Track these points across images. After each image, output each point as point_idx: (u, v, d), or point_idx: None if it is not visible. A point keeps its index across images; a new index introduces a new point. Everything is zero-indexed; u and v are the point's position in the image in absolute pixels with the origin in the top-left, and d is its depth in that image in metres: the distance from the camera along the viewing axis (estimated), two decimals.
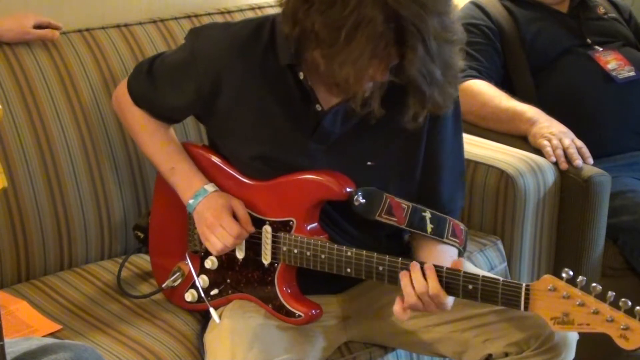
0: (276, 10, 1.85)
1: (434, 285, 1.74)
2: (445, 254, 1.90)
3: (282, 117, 1.88)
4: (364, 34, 1.65)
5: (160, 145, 2.01)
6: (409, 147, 1.93)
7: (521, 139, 2.62)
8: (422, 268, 1.76)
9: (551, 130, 2.55)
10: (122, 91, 2.06)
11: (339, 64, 1.69)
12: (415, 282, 1.75)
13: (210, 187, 1.93)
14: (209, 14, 2.52)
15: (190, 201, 1.93)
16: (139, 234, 2.17)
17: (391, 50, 1.68)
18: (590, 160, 2.52)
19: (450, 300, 1.77)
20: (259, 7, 2.58)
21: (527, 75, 2.76)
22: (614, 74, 2.73)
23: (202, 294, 1.99)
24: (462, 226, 1.96)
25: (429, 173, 1.95)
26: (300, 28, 1.73)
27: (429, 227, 1.90)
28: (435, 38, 1.67)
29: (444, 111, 1.81)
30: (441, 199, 1.96)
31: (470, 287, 1.73)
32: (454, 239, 1.93)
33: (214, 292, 1.98)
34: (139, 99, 2.02)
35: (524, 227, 2.43)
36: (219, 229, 1.88)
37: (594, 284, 1.64)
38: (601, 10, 2.91)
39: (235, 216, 1.90)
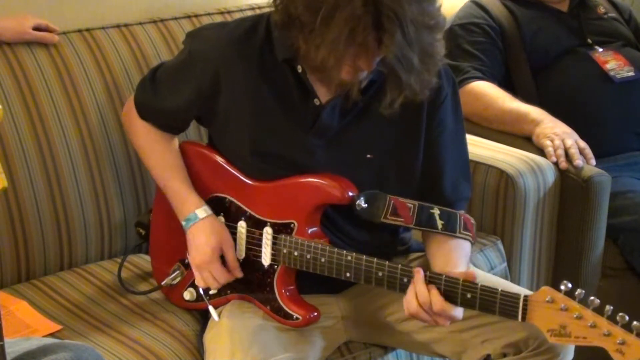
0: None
1: (437, 301, 1.74)
2: (458, 250, 1.90)
3: (280, 112, 1.89)
4: (342, 15, 1.65)
5: (156, 159, 2.01)
6: (408, 139, 1.93)
7: (522, 139, 2.62)
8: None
9: (555, 130, 2.56)
10: (129, 105, 2.07)
11: (316, 45, 1.69)
12: (419, 295, 1.75)
13: (201, 213, 1.93)
14: (209, 14, 2.52)
15: (183, 223, 1.95)
16: (141, 230, 2.18)
17: (369, 34, 1.67)
18: (593, 162, 2.52)
19: (459, 310, 1.77)
20: (259, 7, 2.58)
21: (528, 74, 2.77)
22: (612, 74, 2.73)
23: (202, 293, 1.99)
24: (472, 220, 1.95)
25: (430, 164, 1.95)
26: (287, 15, 1.74)
27: (440, 223, 1.89)
28: (414, 23, 1.67)
29: (420, 98, 1.79)
30: (444, 190, 1.96)
31: (469, 295, 1.73)
32: (466, 233, 1.91)
33: (213, 291, 1.98)
34: (143, 109, 2.02)
35: (524, 227, 2.43)
36: (206, 272, 1.92)
37: (592, 297, 1.64)
38: (601, 10, 2.91)
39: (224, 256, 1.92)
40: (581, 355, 1.96)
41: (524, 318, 1.69)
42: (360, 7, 1.65)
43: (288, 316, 1.89)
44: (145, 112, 2.02)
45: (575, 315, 1.64)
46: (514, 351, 1.86)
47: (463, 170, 2.01)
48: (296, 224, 1.87)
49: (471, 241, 1.93)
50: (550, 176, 2.46)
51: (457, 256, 1.87)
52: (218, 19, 2.51)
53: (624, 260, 2.57)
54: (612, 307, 1.62)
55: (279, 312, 1.90)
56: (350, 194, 1.85)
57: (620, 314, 1.61)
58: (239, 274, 1.92)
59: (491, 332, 1.88)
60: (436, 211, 1.89)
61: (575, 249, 2.50)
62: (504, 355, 1.88)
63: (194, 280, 2.00)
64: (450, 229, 1.89)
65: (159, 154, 2.01)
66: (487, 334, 1.89)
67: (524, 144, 2.58)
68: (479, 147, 2.51)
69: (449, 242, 1.90)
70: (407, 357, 2.11)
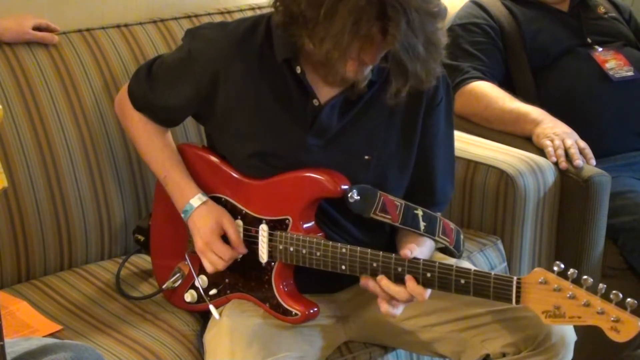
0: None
1: (413, 288, 1.77)
2: (425, 248, 1.92)
3: (280, 112, 1.89)
4: (346, 7, 1.65)
5: (156, 152, 2.02)
6: (405, 139, 1.94)
7: (522, 139, 2.62)
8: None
9: (555, 130, 2.56)
10: (123, 96, 2.07)
11: (320, 39, 1.70)
12: (399, 295, 1.79)
13: (195, 202, 1.93)
14: (209, 14, 2.53)
15: (182, 215, 1.95)
16: (139, 237, 2.17)
17: (373, 25, 1.67)
18: (593, 162, 2.52)
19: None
20: (259, 7, 2.58)
21: (528, 74, 2.77)
22: (611, 73, 2.73)
23: (202, 294, 1.99)
24: (452, 225, 1.97)
25: (424, 164, 1.97)
26: (289, 14, 1.74)
27: (422, 224, 1.90)
28: (417, 11, 1.67)
29: (426, 87, 1.80)
30: (435, 190, 1.99)
31: (463, 281, 1.74)
32: (444, 238, 1.94)
33: (213, 292, 1.98)
34: (139, 102, 2.03)
35: (524, 227, 2.43)
36: (210, 253, 1.90)
37: (585, 277, 1.64)
38: (601, 9, 2.92)
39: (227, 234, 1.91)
40: (581, 354, 1.96)
41: (518, 301, 1.70)
42: None
43: (287, 312, 1.89)
44: (141, 105, 2.03)
45: (568, 295, 1.64)
46: (513, 351, 1.86)
47: (450, 173, 2.04)
48: (291, 220, 1.87)
49: (448, 246, 1.96)
50: (550, 176, 2.46)
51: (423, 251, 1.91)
52: (218, 19, 2.51)
53: (624, 260, 2.56)
54: (605, 286, 1.62)
55: (277, 309, 1.90)
56: (343, 187, 1.85)
57: (614, 291, 1.61)
58: (243, 250, 1.91)
59: (491, 332, 1.88)
60: (420, 212, 1.91)
61: (575, 249, 2.50)
62: (504, 355, 1.88)
63: (194, 282, 2.00)
64: (430, 231, 1.91)
65: (158, 146, 2.02)
66: (486, 333, 1.89)
67: (524, 144, 2.58)
68: (479, 147, 2.52)
69: (420, 238, 1.92)
70: (407, 357, 2.11)
